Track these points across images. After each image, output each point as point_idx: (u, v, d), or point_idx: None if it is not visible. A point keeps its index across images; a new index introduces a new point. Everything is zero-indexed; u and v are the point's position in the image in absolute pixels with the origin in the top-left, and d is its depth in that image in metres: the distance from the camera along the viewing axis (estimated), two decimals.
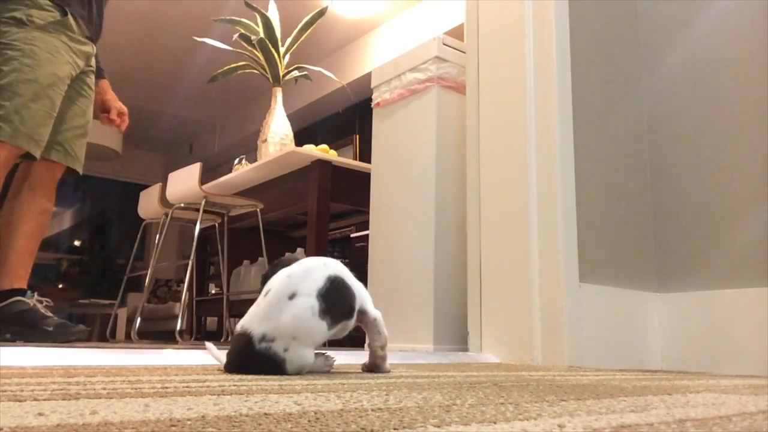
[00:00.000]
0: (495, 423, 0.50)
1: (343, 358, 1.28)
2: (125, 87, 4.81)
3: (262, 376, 0.94)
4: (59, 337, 1.89)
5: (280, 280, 1.02)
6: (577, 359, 1.63)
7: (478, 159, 1.97)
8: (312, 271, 1.04)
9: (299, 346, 0.98)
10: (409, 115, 2.34)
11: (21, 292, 1.94)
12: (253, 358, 0.96)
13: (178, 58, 5.25)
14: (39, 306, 1.96)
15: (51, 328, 1.91)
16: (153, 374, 0.95)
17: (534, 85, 1.84)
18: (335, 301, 1.02)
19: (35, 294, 1.98)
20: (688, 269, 1.89)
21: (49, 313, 1.97)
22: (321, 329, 0.99)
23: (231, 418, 0.49)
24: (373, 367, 1.15)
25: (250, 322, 0.99)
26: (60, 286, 6.78)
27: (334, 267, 1.07)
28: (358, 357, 1.53)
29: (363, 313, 1.10)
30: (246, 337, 0.97)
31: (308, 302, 0.99)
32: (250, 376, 0.93)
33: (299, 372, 0.99)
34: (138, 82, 5.89)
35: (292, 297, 0.99)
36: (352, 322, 1.09)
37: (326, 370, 1.09)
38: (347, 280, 1.07)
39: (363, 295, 1.11)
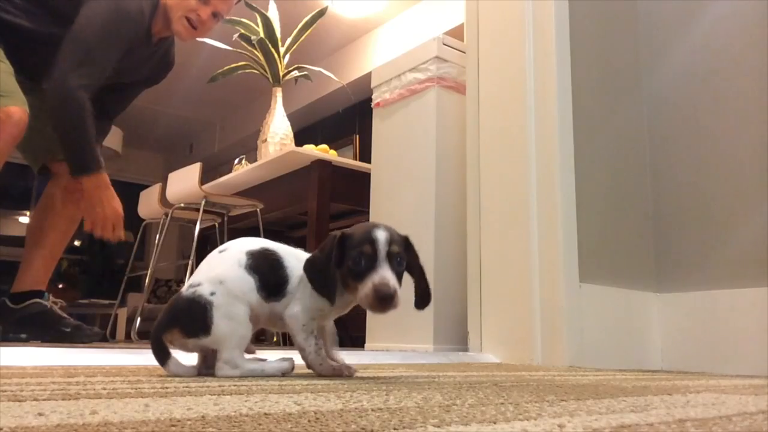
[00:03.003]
0: (495, 423, 0.50)
1: (343, 358, 1.27)
2: None
3: (262, 377, 0.94)
4: (75, 339, 1.91)
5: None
6: (577, 359, 1.63)
7: (478, 159, 1.97)
8: (252, 239, 1.02)
9: (228, 293, 0.92)
10: (409, 115, 2.34)
11: (39, 293, 1.96)
12: (179, 306, 0.93)
13: (178, 58, 5.23)
14: (55, 307, 1.98)
15: (68, 329, 1.94)
16: (153, 374, 0.95)
17: (534, 85, 1.84)
18: (263, 266, 0.97)
19: (50, 296, 2.00)
20: (688, 269, 1.89)
21: (65, 315, 1.99)
22: (249, 282, 0.95)
23: (231, 418, 0.49)
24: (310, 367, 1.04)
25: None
26: (60, 286, 6.77)
27: (278, 246, 1.02)
28: (358, 357, 1.53)
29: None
30: (176, 294, 0.97)
31: (236, 255, 0.97)
32: (250, 378, 0.93)
33: (229, 333, 0.92)
34: None
35: (221, 252, 0.99)
36: (281, 306, 0.98)
37: (283, 372, 0.99)
38: (286, 261, 1.00)
39: (299, 290, 0.99)
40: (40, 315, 1.94)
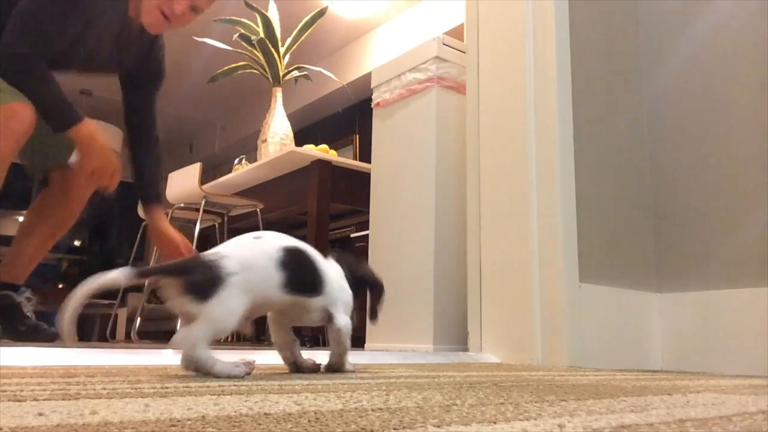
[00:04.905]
0: (495, 423, 0.50)
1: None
2: None
3: (262, 376, 0.94)
4: (29, 338, 1.91)
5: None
6: (577, 359, 1.63)
7: (478, 159, 1.97)
8: (284, 235, 1.02)
9: (244, 283, 0.90)
10: (409, 115, 2.34)
11: (13, 287, 1.96)
12: (196, 264, 0.90)
13: (178, 58, 5.23)
14: (28, 303, 1.97)
15: (23, 329, 1.92)
16: (153, 374, 0.95)
17: (534, 85, 1.84)
18: (297, 266, 0.97)
19: (27, 291, 2.00)
20: (688, 269, 1.89)
21: (30, 314, 1.98)
22: (274, 279, 0.94)
23: (231, 418, 0.49)
24: (334, 367, 1.09)
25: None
26: (60, 286, 6.78)
27: (307, 246, 1.03)
28: (359, 357, 1.53)
29: (330, 318, 1.03)
30: (197, 255, 0.94)
31: (270, 248, 0.95)
32: (249, 377, 0.93)
33: (217, 320, 0.88)
34: None
35: (256, 238, 0.98)
36: (311, 304, 1.00)
37: (231, 376, 0.90)
38: (318, 264, 1.02)
39: (337, 293, 1.03)
40: (4, 309, 1.93)
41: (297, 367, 1.07)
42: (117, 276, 0.88)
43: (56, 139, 1.91)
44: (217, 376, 0.89)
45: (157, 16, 1.84)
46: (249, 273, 0.91)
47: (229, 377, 0.89)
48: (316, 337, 3.27)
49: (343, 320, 1.03)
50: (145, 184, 2.06)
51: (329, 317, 1.03)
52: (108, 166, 1.80)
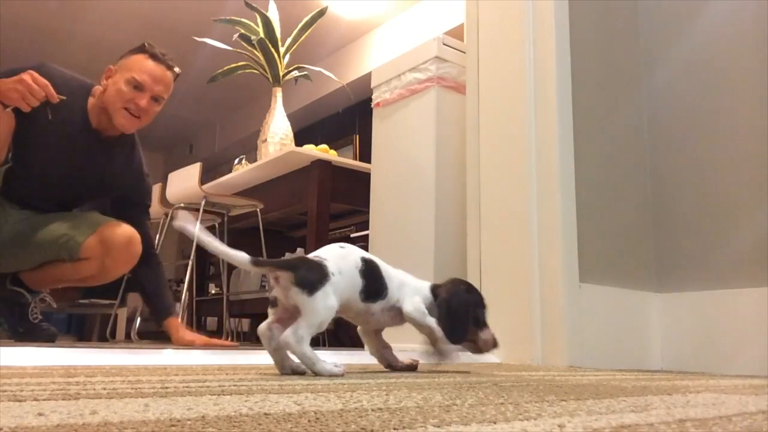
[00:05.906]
0: (495, 423, 0.50)
1: (343, 358, 1.28)
2: None
3: (262, 376, 0.94)
4: (27, 340, 1.94)
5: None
6: (577, 359, 1.63)
7: (478, 159, 1.97)
8: (361, 249, 1.15)
9: (339, 283, 1.01)
10: (409, 115, 2.34)
11: (30, 290, 1.98)
12: (302, 262, 1.02)
13: (178, 58, 5.23)
14: (39, 305, 1.99)
15: (22, 330, 1.97)
16: (153, 374, 0.95)
17: (534, 85, 1.84)
18: (370, 273, 1.10)
19: (41, 293, 2.02)
20: (688, 269, 1.89)
21: (37, 316, 2.00)
22: (358, 284, 1.07)
23: (231, 418, 0.49)
24: (437, 357, 1.17)
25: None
26: (60, 285, 6.77)
27: (376, 258, 1.16)
28: (359, 357, 1.53)
29: (400, 309, 1.14)
30: (304, 256, 1.08)
31: (356, 257, 1.10)
32: (250, 377, 0.93)
33: (319, 312, 0.97)
34: None
35: (342, 248, 1.10)
36: (373, 308, 1.11)
37: (331, 375, 0.99)
38: (384, 272, 1.14)
39: (396, 292, 1.14)
40: (17, 304, 1.97)
41: (393, 369, 1.20)
42: (239, 257, 1.00)
43: (66, 246, 1.93)
44: (319, 374, 0.97)
45: (125, 115, 1.92)
46: (341, 277, 1.03)
47: (331, 376, 0.97)
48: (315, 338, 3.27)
49: (410, 304, 1.14)
50: (156, 309, 2.10)
51: (398, 309, 1.13)
52: (14, 86, 1.73)
